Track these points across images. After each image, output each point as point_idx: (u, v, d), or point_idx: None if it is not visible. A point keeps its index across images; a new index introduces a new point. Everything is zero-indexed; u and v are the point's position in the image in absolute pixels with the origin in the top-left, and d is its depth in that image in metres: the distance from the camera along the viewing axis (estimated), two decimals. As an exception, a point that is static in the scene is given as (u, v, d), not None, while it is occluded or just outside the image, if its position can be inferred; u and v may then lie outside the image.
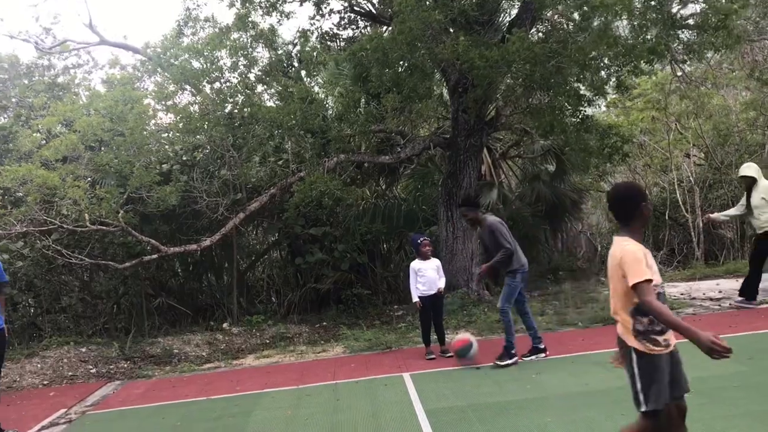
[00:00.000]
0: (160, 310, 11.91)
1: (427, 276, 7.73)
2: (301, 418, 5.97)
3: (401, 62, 10.15)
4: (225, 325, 10.95)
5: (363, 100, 11.88)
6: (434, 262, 7.86)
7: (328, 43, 12.54)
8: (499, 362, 6.97)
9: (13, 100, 12.88)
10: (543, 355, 7.22)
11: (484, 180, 13.31)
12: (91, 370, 9.20)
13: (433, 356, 7.68)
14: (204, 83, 10.83)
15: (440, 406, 5.78)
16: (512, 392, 6.05)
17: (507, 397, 5.89)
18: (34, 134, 10.98)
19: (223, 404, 6.79)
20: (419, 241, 7.92)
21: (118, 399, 7.60)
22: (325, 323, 10.93)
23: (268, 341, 10.10)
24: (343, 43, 12.62)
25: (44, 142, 10.69)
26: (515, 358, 7.02)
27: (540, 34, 10.94)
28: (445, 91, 12.67)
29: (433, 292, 7.73)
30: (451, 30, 10.00)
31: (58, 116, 10.39)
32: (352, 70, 11.98)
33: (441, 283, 7.81)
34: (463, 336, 7.32)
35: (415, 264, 7.86)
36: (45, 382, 8.87)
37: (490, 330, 8.96)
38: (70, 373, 9.13)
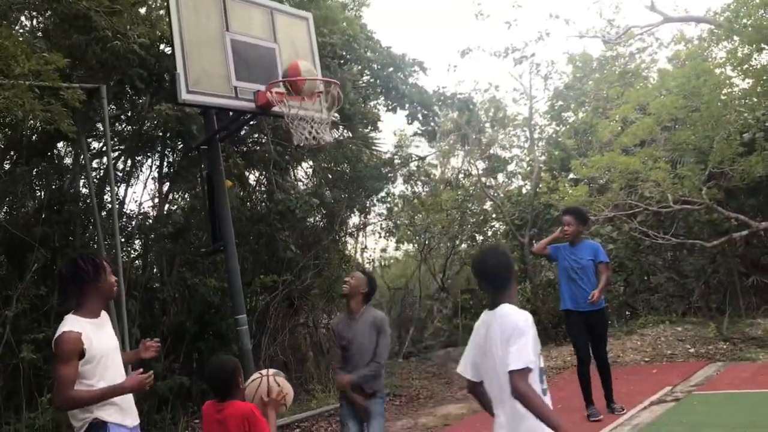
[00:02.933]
0: (756, 289, 11.12)
1: None
2: None
3: None
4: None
5: None
6: None
7: None
8: None
9: (590, 94, 13.90)
10: None
11: None
12: (690, 350, 9.19)
13: None
14: (785, 36, 9.65)
15: None
16: None
17: None
18: (611, 123, 11.60)
19: None
20: None
21: (723, 381, 7.38)
22: None
23: None
24: None
25: (620, 129, 11.19)
26: None
27: None
28: None
29: None
30: None
31: (632, 103, 10.74)
32: None
33: None
34: None
35: None
36: (646, 359, 9.25)
37: None
38: (668, 352, 9.31)
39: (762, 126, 10.44)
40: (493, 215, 14.65)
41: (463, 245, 15.37)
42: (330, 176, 12.59)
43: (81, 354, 3.35)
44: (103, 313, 3.69)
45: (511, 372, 2.85)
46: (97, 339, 3.47)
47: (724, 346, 9.09)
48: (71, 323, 3.43)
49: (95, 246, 8.04)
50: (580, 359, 6.66)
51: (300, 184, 12.30)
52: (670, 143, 10.47)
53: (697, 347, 9.26)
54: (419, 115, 11.57)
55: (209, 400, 3.61)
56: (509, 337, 2.92)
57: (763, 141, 10.02)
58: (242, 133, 10.32)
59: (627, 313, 12.46)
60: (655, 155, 10.19)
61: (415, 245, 15.18)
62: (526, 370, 2.85)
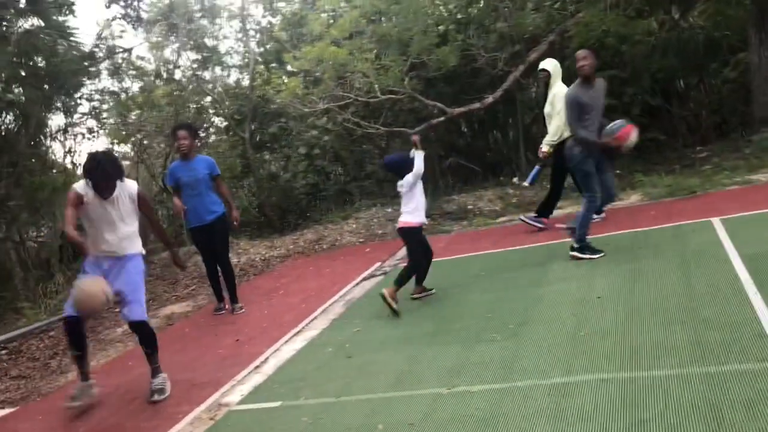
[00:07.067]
0: (452, 169, 12.45)
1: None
2: (600, 266, 5.90)
3: None
4: (514, 179, 11.09)
5: None
6: None
7: None
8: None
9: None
10: None
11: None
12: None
13: None
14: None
15: (759, 251, 5.25)
16: None
17: None
18: (321, 16, 11.75)
19: (520, 255, 7.00)
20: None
21: (424, 252, 8.24)
22: (618, 171, 10.44)
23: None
24: None
25: (331, 21, 11.39)
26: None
27: None
28: None
29: None
30: None
31: (339, -6, 10.96)
32: None
33: None
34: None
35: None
36: (360, 240, 9.96)
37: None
38: (380, 232, 10.12)
39: (454, 18, 11.36)
40: (212, 110, 14.24)
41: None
42: (22, 73, 11.11)
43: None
44: None
45: None
46: None
47: (427, 221, 10.10)
48: None
49: None
50: (210, 270, 7.13)
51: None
52: (375, 35, 10.94)
53: (403, 225, 10.16)
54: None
55: None
56: None
57: (455, 33, 10.93)
58: None
59: (346, 199, 13.19)
60: (363, 47, 10.61)
61: (130, 145, 14.23)
62: None
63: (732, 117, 10.91)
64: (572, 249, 6.24)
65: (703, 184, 8.24)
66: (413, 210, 6.02)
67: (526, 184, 8.02)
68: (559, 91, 7.40)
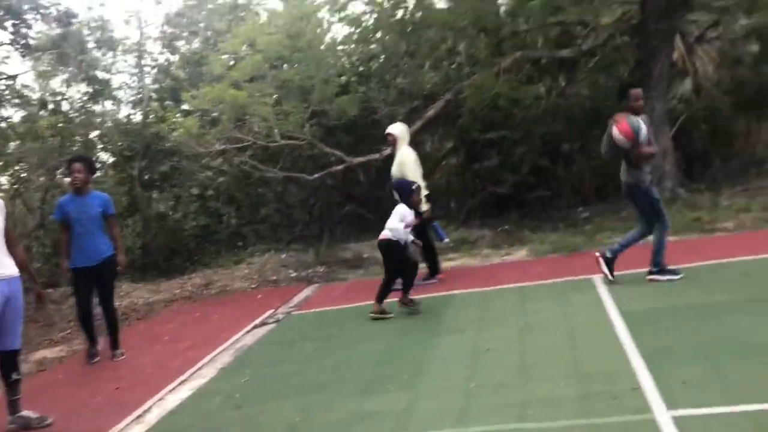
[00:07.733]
0: (349, 218, 12.50)
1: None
2: (490, 319, 6.06)
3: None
4: (408, 230, 11.27)
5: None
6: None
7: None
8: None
9: (201, 25, 13.69)
10: None
11: (676, 69, 12.20)
12: (292, 275, 9.94)
13: None
14: (376, -10, 10.79)
15: (636, 309, 5.57)
16: (720, 294, 5.68)
17: (713, 299, 5.54)
18: (222, 57, 11.66)
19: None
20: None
21: (318, 300, 8.18)
22: (507, 227, 10.87)
23: (451, 245, 10.25)
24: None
25: (233, 63, 11.32)
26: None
27: None
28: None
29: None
30: None
31: (241, 38, 10.93)
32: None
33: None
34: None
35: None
36: (252, 286, 9.74)
37: (687, 230, 8.42)
38: (273, 277, 9.94)
39: (356, 71, 11.59)
40: (100, 145, 13.66)
41: (67, 179, 14.03)
42: None
43: None
44: None
45: None
46: None
47: (322, 269, 10.05)
48: None
49: None
50: (85, 312, 6.59)
51: None
52: (277, 80, 10.96)
53: (298, 272, 10.06)
54: (7, 23, 10.06)
55: None
56: None
57: (356, 84, 11.15)
58: None
59: (240, 243, 12.90)
60: (264, 91, 10.59)
61: (8, 177, 13.35)
62: None
63: (611, 181, 11.67)
64: (650, 273, 6.37)
65: (586, 242, 8.69)
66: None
67: (446, 240, 8.15)
68: (404, 153, 7.64)
